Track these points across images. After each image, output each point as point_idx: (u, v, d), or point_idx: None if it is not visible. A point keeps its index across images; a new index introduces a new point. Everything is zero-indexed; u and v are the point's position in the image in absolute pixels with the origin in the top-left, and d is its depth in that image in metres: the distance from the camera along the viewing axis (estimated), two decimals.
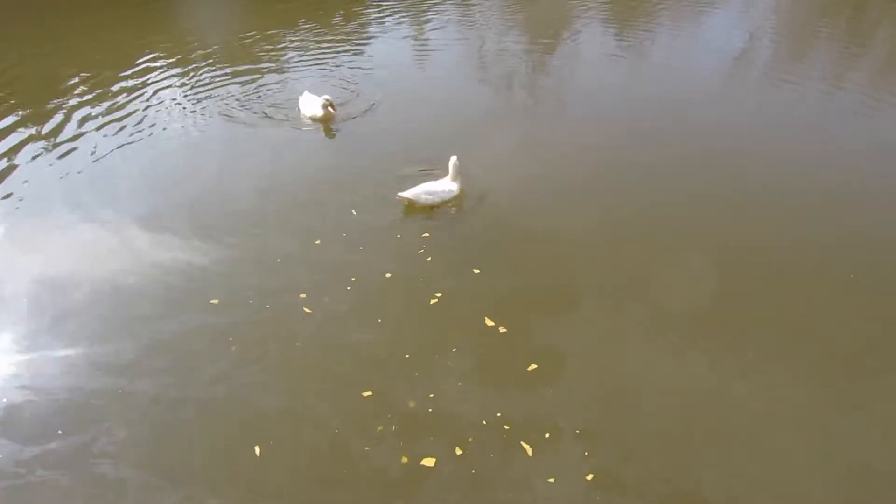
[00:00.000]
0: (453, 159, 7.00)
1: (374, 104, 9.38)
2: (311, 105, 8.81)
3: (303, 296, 5.71)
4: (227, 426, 4.62)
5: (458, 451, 4.37)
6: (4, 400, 4.80)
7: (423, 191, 6.93)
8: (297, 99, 9.20)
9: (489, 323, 5.44)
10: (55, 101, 9.54)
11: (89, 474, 4.27)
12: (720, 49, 12.41)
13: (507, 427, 4.55)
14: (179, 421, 4.65)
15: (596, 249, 6.50)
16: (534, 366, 5.03)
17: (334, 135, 8.57)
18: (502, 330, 5.37)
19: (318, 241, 6.42)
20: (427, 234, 6.52)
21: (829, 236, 6.69)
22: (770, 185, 7.61)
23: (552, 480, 4.21)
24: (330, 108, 8.61)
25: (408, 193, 6.88)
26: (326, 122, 8.70)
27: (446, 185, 7.06)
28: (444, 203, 7.05)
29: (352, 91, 9.93)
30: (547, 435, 4.50)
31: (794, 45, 13.12)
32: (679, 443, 4.55)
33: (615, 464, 4.35)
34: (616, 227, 6.83)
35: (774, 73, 11.42)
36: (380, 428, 4.55)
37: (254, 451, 4.39)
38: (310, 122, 8.74)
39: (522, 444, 4.44)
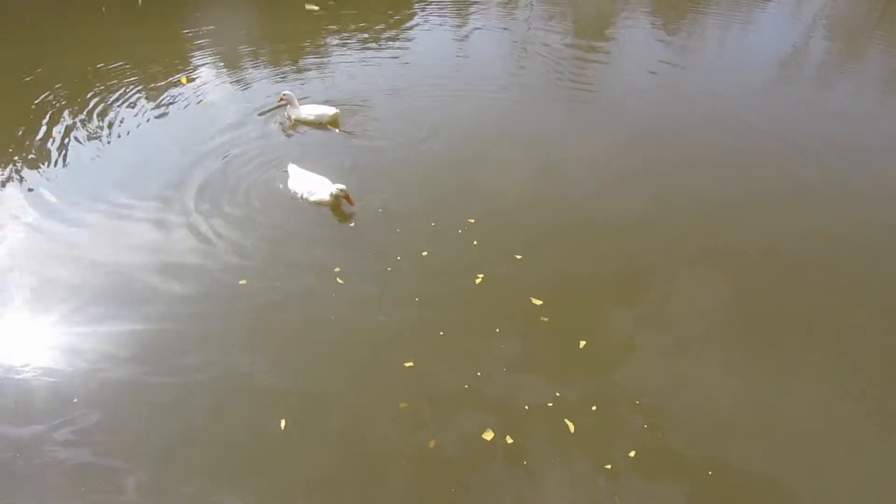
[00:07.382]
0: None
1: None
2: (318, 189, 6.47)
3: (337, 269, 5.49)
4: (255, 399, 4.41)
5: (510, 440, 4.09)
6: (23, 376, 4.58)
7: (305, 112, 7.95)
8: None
9: (536, 302, 5.09)
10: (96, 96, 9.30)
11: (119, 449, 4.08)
12: (772, 48, 11.89)
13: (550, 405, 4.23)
14: (209, 400, 4.43)
15: (647, 238, 6.11)
16: (583, 342, 4.72)
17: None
18: (545, 318, 5.05)
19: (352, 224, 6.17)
20: (473, 220, 6.17)
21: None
22: (822, 181, 7.18)
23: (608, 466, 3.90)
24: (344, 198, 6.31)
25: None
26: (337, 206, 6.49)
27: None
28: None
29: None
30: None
31: (849, 46, 12.57)
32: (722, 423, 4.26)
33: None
34: (669, 215, 6.45)
35: (828, 72, 10.93)
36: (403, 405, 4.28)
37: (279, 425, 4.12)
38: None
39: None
